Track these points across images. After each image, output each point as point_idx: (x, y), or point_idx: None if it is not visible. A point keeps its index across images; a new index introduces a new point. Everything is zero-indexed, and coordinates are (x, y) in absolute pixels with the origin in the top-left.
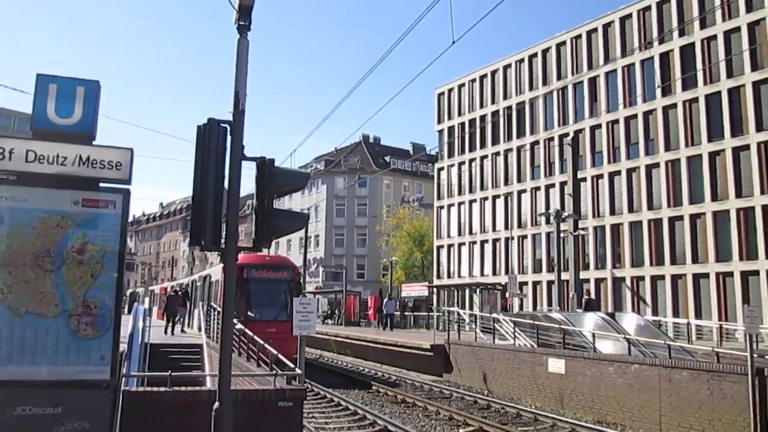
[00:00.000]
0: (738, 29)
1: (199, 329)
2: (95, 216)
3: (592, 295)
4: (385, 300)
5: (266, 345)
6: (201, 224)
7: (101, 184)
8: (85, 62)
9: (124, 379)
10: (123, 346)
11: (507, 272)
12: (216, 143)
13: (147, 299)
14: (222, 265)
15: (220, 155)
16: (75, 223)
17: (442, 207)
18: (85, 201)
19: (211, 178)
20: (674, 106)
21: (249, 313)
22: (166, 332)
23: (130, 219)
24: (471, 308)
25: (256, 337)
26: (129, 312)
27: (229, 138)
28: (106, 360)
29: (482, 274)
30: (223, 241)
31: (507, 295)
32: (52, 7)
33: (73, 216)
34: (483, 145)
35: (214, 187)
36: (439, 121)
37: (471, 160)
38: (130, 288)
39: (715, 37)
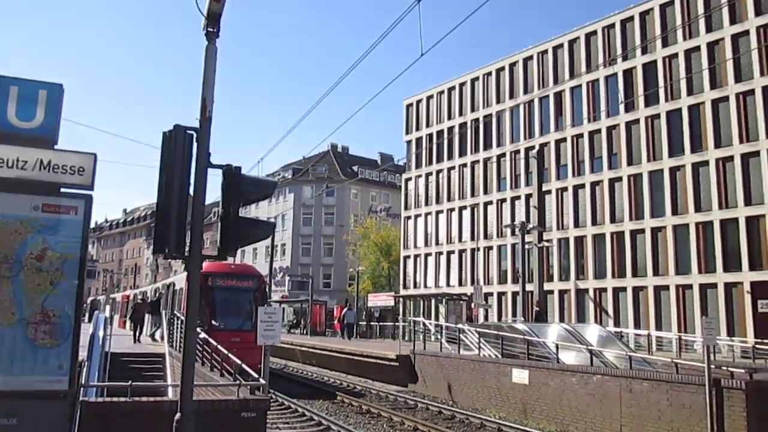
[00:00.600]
0: (698, 48)
1: (162, 338)
2: (56, 222)
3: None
4: (345, 310)
5: (230, 354)
6: (165, 231)
7: (63, 190)
8: (48, 65)
9: (82, 389)
10: (82, 355)
11: (473, 283)
12: (182, 150)
13: (108, 307)
14: (186, 273)
15: (185, 162)
16: (34, 228)
17: (409, 217)
18: (45, 206)
19: (177, 185)
20: (637, 121)
21: (213, 322)
22: (135, 341)
23: (92, 225)
24: (437, 319)
25: (219, 347)
26: (89, 320)
27: (195, 145)
28: (64, 369)
29: (448, 285)
30: (187, 248)
31: (472, 305)
32: (14, 9)
33: (32, 222)
34: (450, 157)
35: (179, 194)
36: (408, 132)
37: (438, 171)
38: (91, 296)
39: (676, 55)
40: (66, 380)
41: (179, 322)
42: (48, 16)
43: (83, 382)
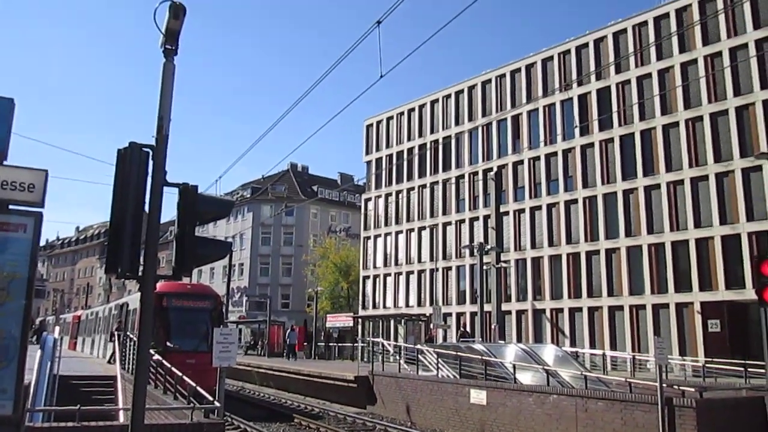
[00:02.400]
0: (650, 75)
1: (114, 360)
2: (3, 240)
3: (468, 328)
4: (288, 331)
5: (184, 377)
6: (118, 250)
7: (11, 207)
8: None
9: (28, 414)
10: (29, 379)
11: (431, 303)
12: (137, 168)
13: (58, 328)
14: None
15: (140, 180)
16: None
17: (368, 237)
18: None
19: (131, 204)
20: (591, 145)
21: (168, 343)
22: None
23: (43, 243)
24: (396, 339)
25: (174, 369)
26: (37, 342)
27: (151, 162)
28: (9, 393)
29: (407, 305)
30: (141, 268)
31: (431, 326)
32: None
33: None
34: (410, 178)
35: (134, 212)
36: (368, 153)
37: (398, 192)
38: (40, 316)
39: (629, 81)
40: (10, 405)
41: (132, 343)
42: None
43: (29, 406)
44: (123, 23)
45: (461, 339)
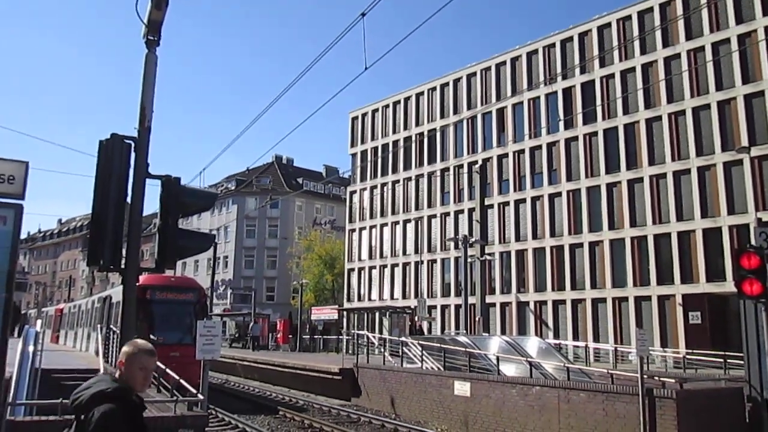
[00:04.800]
0: (633, 69)
1: (97, 353)
2: None
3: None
4: (251, 324)
5: (168, 370)
6: (100, 243)
7: None
8: None
9: (9, 407)
10: (10, 372)
11: (416, 296)
12: (119, 160)
13: (40, 321)
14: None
15: (123, 172)
16: None
17: (353, 230)
18: None
19: (113, 196)
20: (576, 138)
21: (151, 336)
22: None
23: (24, 236)
24: (381, 332)
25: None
26: (19, 335)
27: (133, 154)
28: None
29: (392, 298)
30: (123, 261)
31: (416, 318)
32: None
33: None
34: (395, 170)
35: (116, 204)
36: (353, 145)
37: (383, 184)
38: (22, 309)
39: (613, 75)
40: None
41: (115, 336)
42: None
43: (10, 400)
44: (108, 12)
45: (410, 334)
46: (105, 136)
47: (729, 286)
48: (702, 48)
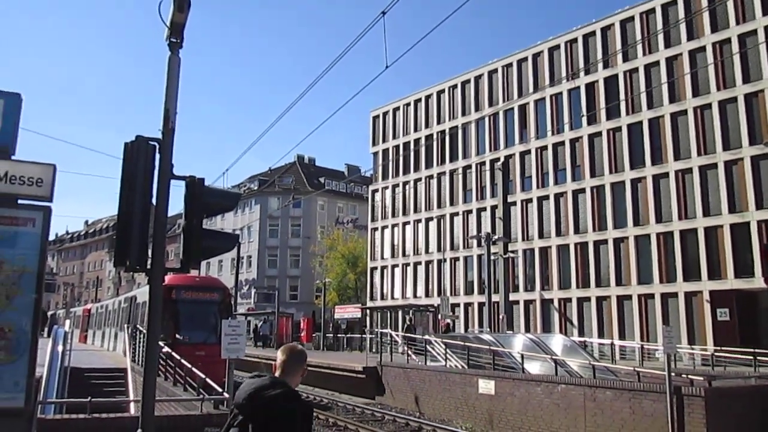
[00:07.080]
0: (657, 63)
1: (124, 353)
2: (12, 234)
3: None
4: (260, 324)
5: (194, 369)
6: (126, 244)
7: (20, 201)
8: (6, 74)
9: (40, 406)
10: (40, 371)
11: (439, 294)
12: (144, 161)
13: (68, 321)
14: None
15: (148, 173)
16: None
17: (376, 229)
18: (1, 219)
19: (139, 197)
20: (599, 134)
21: (177, 335)
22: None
23: (53, 237)
24: (404, 330)
25: (183, 361)
26: (48, 335)
27: (158, 156)
28: (21, 386)
29: (415, 296)
30: (149, 261)
31: (439, 316)
32: None
33: None
34: (417, 168)
35: (142, 205)
36: (374, 144)
37: (405, 183)
38: (51, 310)
39: (636, 69)
40: (22, 397)
41: (142, 336)
42: (4, 24)
43: (41, 398)
44: (131, 15)
45: (406, 331)
46: (130, 137)
47: (758, 282)
48: (728, 40)
